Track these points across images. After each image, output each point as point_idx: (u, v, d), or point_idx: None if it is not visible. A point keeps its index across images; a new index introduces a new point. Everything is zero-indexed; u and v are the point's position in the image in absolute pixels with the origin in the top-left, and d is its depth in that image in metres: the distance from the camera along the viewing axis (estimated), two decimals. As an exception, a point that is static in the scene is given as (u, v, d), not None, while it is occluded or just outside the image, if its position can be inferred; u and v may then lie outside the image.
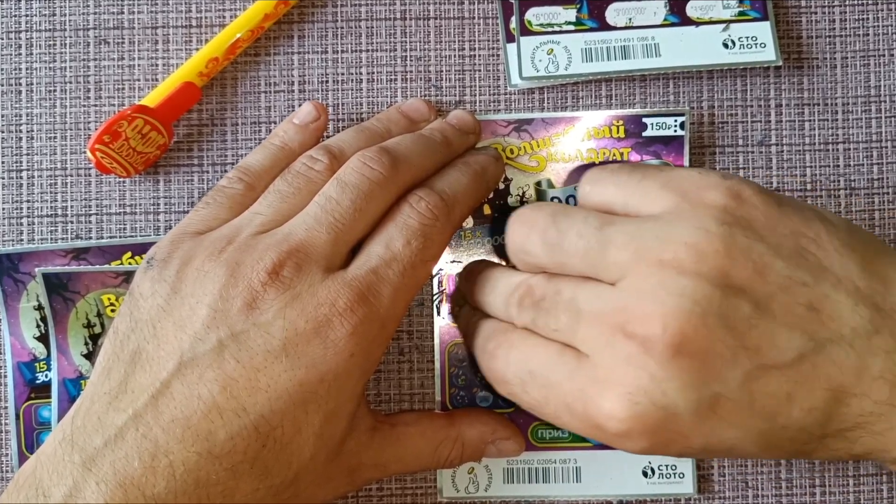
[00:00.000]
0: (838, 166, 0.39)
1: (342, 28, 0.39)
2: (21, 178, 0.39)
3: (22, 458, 0.38)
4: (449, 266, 0.38)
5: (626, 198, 0.32)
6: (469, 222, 0.38)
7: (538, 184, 0.38)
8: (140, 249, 0.38)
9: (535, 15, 0.38)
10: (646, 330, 0.28)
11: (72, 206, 0.39)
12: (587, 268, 0.30)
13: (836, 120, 0.39)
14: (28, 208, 0.39)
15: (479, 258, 0.38)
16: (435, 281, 0.38)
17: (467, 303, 0.37)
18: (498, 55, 0.39)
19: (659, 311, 0.28)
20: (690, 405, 0.28)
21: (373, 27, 0.39)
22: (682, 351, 0.28)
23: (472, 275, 0.36)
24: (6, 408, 0.38)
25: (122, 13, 0.39)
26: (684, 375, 0.28)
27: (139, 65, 0.39)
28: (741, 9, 0.38)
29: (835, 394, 0.28)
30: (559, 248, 0.31)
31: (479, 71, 0.39)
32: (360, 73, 0.39)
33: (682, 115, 0.38)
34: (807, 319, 0.28)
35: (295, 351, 0.30)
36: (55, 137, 0.39)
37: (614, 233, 0.30)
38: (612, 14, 0.38)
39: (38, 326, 0.38)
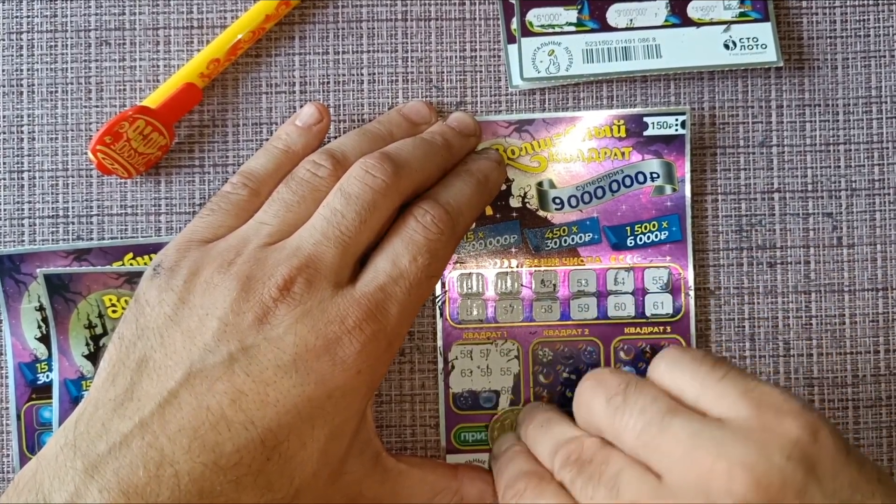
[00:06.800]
0: (839, 167, 0.39)
1: (343, 29, 0.39)
2: (22, 179, 0.39)
3: (23, 459, 0.38)
4: (450, 267, 0.38)
5: (700, 391, 0.30)
6: (470, 223, 0.38)
7: (539, 184, 0.38)
8: (141, 250, 0.38)
9: (536, 16, 0.38)
10: None
11: (73, 207, 0.39)
12: (639, 447, 0.30)
13: (837, 121, 0.39)
14: (29, 209, 0.39)
15: (541, 407, 0.37)
16: (437, 282, 0.38)
17: (507, 430, 0.37)
18: (499, 56, 0.39)
19: None
20: None
21: (374, 28, 0.39)
22: None
23: (534, 412, 0.36)
24: (7, 408, 0.38)
25: (124, 14, 0.39)
26: None
27: (140, 66, 0.39)
28: (742, 10, 0.38)
29: None
30: (619, 415, 0.30)
31: (481, 72, 0.39)
32: (362, 74, 0.39)
33: (682, 113, 0.38)
34: None
35: (305, 366, 0.30)
36: (56, 138, 0.39)
37: (677, 424, 0.29)
38: (613, 15, 0.38)
39: (39, 327, 0.38)
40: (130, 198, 0.39)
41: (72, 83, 0.39)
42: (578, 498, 0.30)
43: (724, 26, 0.38)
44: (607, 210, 0.38)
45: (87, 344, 0.37)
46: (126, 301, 0.37)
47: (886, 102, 0.39)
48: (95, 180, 0.39)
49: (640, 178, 0.38)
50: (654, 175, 0.38)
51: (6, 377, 0.38)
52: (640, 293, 0.38)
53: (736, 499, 0.27)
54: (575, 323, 0.38)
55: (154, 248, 0.38)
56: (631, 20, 0.38)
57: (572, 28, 0.38)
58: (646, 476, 0.29)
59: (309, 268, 0.31)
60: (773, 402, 0.29)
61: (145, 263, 0.38)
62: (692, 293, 0.38)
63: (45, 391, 0.38)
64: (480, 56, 0.39)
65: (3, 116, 0.39)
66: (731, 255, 0.39)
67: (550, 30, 0.38)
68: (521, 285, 0.38)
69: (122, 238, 0.38)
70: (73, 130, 0.39)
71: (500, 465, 0.35)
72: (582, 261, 0.38)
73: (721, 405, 0.30)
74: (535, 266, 0.38)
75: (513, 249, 0.38)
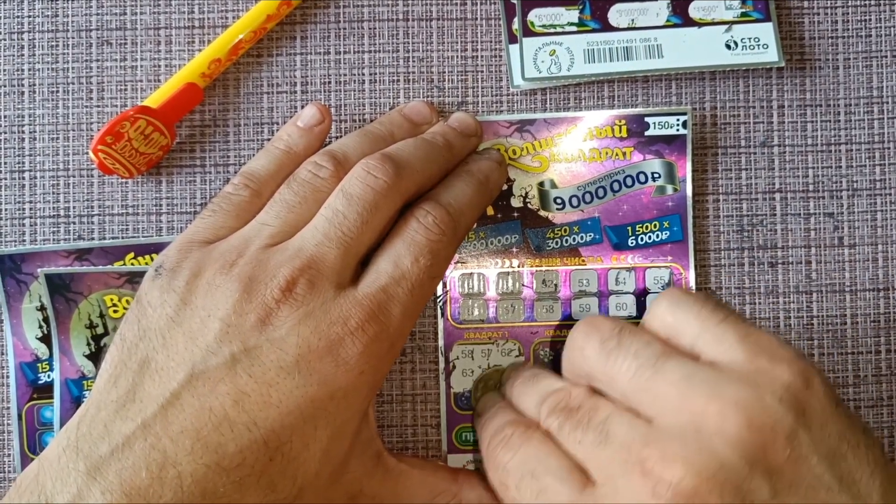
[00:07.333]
0: (840, 167, 0.39)
1: (344, 29, 0.39)
2: (24, 178, 0.39)
3: (24, 459, 0.38)
4: (452, 267, 0.38)
5: (699, 332, 0.30)
6: (471, 223, 0.38)
7: (541, 184, 0.38)
8: (142, 250, 0.38)
9: (537, 16, 0.38)
10: (663, 472, 0.27)
11: (74, 207, 0.39)
12: (632, 390, 0.30)
13: (839, 121, 0.39)
14: (31, 209, 0.39)
15: (526, 364, 0.37)
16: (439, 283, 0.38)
17: (491, 390, 0.37)
18: (500, 56, 0.39)
19: (683, 460, 0.27)
20: None
21: (375, 28, 0.39)
22: None
23: (519, 369, 0.36)
24: (8, 408, 0.38)
25: (125, 14, 0.39)
26: None
27: (142, 66, 0.39)
28: (744, 10, 0.38)
29: None
30: (613, 359, 0.30)
31: (482, 72, 0.39)
32: (363, 74, 0.39)
33: (684, 114, 0.38)
34: None
35: (307, 367, 0.30)
36: (58, 138, 0.39)
37: (670, 366, 0.29)
38: (615, 15, 0.38)
39: (40, 327, 0.38)
40: (132, 197, 0.39)
41: (73, 83, 0.39)
42: (566, 444, 0.30)
43: (726, 26, 0.38)
44: (608, 210, 0.38)
45: (89, 344, 0.37)
46: (127, 301, 0.37)
47: (888, 103, 0.39)
48: (97, 180, 0.39)
49: (642, 178, 0.38)
50: (656, 175, 0.38)
51: (7, 377, 0.38)
52: (641, 293, 0.38)
53: (728, 438, 0.27)
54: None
55: (155, 248, 0.38)
56: (632, 20, 0.38)
57: (574, 28, 0.38)
58: (636, 420, 0.29)
59: (311, 269, 0.31)
60: (769, 347, 0.29)
61: (147, 263, 0.38)
62: (693, 293, 0.38)
63: (46, 391, 0.38)
64: (482, 56, 0.39)
65: (5, 116, 0.39)
66: (732, 256, 0.39)
67: (552, 30, 0.38)
68: (523, 285, 0.38)
69: (123, 238, 0.38)
70: (74, 130, 0.39)
71: (484, 419, 0.35)
72: (583, 261, 0.38)
73: (718, 348, 0.30)
74: (537, 266, 0.38)
75: (514, 249, 0.38)
